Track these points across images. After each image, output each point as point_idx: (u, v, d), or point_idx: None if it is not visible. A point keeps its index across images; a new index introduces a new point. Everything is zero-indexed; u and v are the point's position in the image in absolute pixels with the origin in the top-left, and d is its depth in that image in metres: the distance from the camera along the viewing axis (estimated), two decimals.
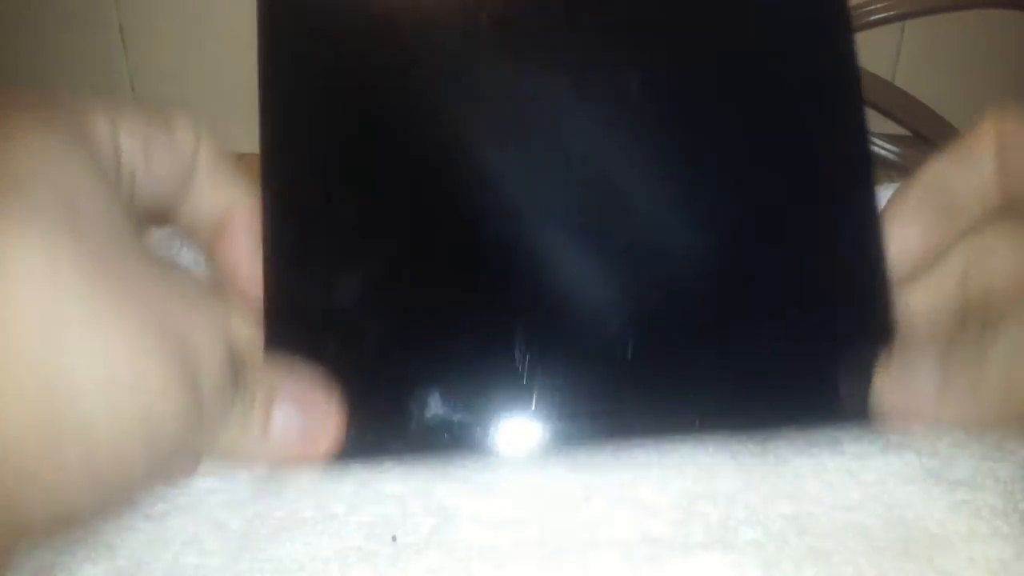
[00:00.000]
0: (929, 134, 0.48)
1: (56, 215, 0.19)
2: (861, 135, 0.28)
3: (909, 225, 0.27)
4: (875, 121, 0.52)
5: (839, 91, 0.28)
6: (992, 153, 0.26)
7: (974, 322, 0.25)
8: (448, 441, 0.26)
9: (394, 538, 0.24)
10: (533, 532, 0.25)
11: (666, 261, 0.27)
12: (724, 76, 0.28)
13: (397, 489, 0.26)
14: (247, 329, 0.26)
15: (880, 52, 0.51)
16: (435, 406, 0.26)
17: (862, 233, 0.27)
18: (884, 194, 0.34)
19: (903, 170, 0.47)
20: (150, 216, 0.26)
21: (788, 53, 0.29)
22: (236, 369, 0.23)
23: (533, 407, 0.26)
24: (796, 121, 0.28)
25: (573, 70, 0.28)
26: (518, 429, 0.26)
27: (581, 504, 0.26)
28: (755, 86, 0.28)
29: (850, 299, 0.27)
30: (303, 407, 0.25)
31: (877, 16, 0.47)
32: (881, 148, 0.48)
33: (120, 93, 0.53)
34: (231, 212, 0.27)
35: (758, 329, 0.27)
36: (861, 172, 0.28)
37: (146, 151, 0.24)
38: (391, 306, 0.27)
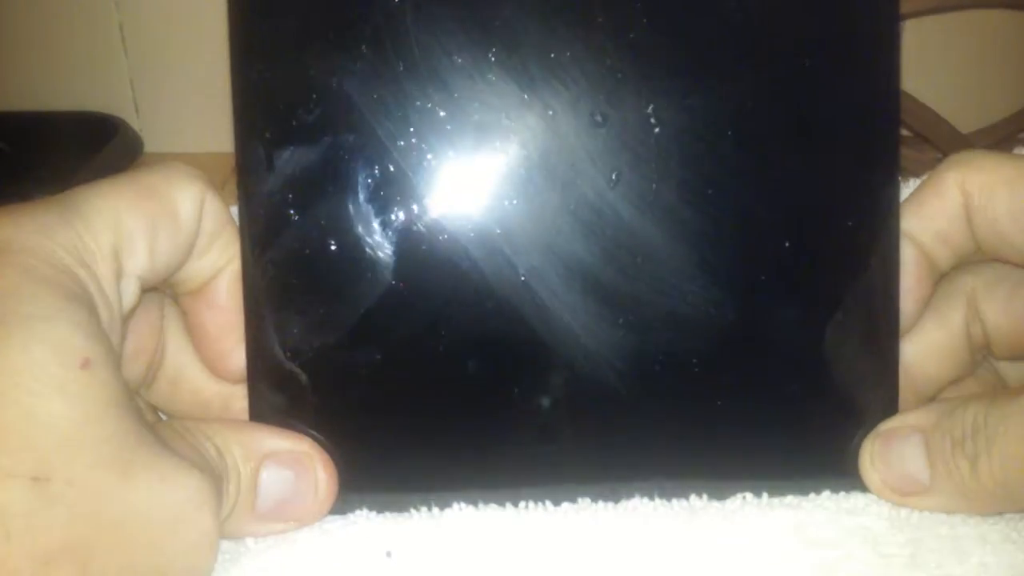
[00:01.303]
0: (929, 134, 0.48)
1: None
2: (892, 187, 0.26)
3: None
4: None
5: (878, 170, 0.26)
6: (958, 204, 0.26)
7: (963, 405, 0.24)
8: (441, 495, 0.25)
9: (388, 554, 0.24)
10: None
11: (673, 319, 0.26)
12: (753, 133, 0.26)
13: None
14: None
15: None
16: (430, 461, 0.26)
17: (878, 302, 0.26)
18: None
19: (903, 170, 0.47)
20: (149, 286, 0.25)
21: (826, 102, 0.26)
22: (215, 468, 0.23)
23: (526, 465, 0.26)
24: (822, 157, 0.26)
25: (588, 89, 0.26)
26: (509, 484, 0.26)
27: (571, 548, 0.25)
28: (786, 152, 0.26)
29: (858, 369, 0.26)
30: (291, 470, 0.24)
31: None
32: None
33: (120, 93, 0.53)
34: (217, 274, 0.26)
35: (760, 388, 0.26)
36: (888, 233, 0.26)
37: (150, 250, 0.24)
38: (378, 357, 0.26)
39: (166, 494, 0.20)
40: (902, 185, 0.35)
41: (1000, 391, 0.25)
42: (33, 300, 0.20)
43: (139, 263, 0.23)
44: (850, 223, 0.26)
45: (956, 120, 0.47)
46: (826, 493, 0.26)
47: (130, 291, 0.23)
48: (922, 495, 0.25)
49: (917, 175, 0.35)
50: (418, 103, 0.25)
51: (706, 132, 0.26)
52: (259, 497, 0.24)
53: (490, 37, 0.25)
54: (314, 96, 0.25)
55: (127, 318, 0.24)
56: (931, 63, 0.52)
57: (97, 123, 0.52)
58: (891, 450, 0.25)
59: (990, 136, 0.50)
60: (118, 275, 0.23)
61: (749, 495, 0.26)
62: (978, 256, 0.27)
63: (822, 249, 0.26)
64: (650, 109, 0.25)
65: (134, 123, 0.53)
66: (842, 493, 0.26)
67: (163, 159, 0.53)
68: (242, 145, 0.26)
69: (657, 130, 0.25)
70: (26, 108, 0.53)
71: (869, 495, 0.26)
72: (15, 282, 0.20)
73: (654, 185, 0.25)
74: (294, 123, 0.25)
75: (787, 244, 0.26)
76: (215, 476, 0.22)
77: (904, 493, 0.25)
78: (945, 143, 0.48)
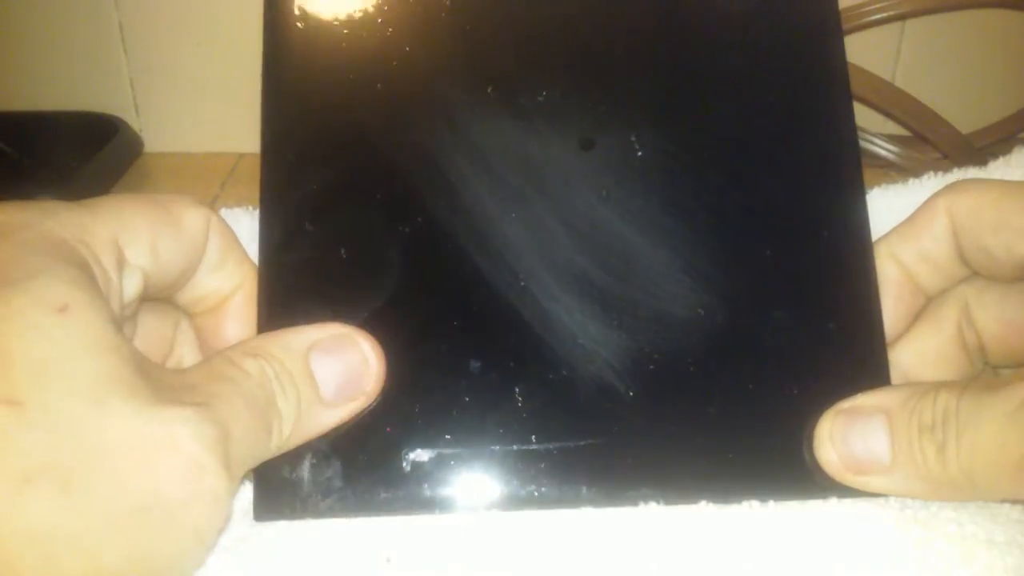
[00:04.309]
0: (929, 134, 0.48)
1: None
2: (859, 197, 0.28)
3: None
4: (875, 121, 0.52)
5: (838, 154, 0.29)
6: (944, 226, 0.27)
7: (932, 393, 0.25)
8: (443, 497, 0.26)
9: (388, 559, 0.24)
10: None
11: (666, 324, 0.27)
12: (729, 137, 0.29)
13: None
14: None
15: (880, 52, 0.51)
16: (431, 463, 0.26)
17: (859, 309, 0.27)
18: (883, 194, 0.34)
19: (903, 170, 0.47)
20: (158, 295, 0.26)
21: (783, 100, 0.29)
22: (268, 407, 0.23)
23: (528, 466, 0.26)
24: (792, 174, 0.29)
25: (567, 100, 0.29)
26: (511, 486, 0.26)
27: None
28: (752, 155, 0.29)
29: (851, 375, 0.27)
30: (337, 351, 0.25)
31: (877, 16, 0.47)
32: (881, 148, 0.48)
33: (120, 93, 0.53)
34: (233, 293, 0.27)
35: (747, 401, 0.27)
36: (860, 240, 0.28)
37: (152, 248, 0.25)
38: (389, 359, 0.26)
39: (142, 425, 0.20)
40: (901, 184, 0.35)
41: (973, 381, 0.25)
42: (24, 266, 0.21)
43: (140, 256, 0.24)
44: (823, 234, 0.28)
45: (956, 120, 0.47)
46: (832, 499, 0.26)
47: (132, 282, 0.24)
48: (879, 475, 0.25)
49: (917, 175, 0.35)
50: (424, 132, 0.29)
51: (683, 155, 0.29)
52: (321, 386, 0.25)
53: (488, 75, 0.29)
54: (333, 121, 0.29)
55: (131, 308, 0.25)
56: (931, 63, 0.52)
57: (97, 123, 0.52)
58: (853, 428, 0.25)
59: (989, 136, 0.50)
60: (119, 260, 0.23)
61: (754, 502, 0.26)
62: (968, 276, 0.28)
63: (800, 259, 0.28)
64: (633, 137, 0.28)
65: (134, 123, 0.54)
66: (847, 499, 0.26)
67: (163, 158, 0.54)
68: (267, 163, 0.28)
69: (640, 153, 0.28)
70: (26, 108, 0.53)
71: (875, 499, 0.25)
72: (11, 254, 0.21)
73: (639, 201, 0.28)
74: (315, 145, 0.28)
75: (768, 254, 0.28)
76: (224, 409, 0.22)
77: (860, 472, 0.25)
78: (944, 143, 0.48)
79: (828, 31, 0.30)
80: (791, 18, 0.30)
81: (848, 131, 0.29)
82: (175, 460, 0.20)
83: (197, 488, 0.20)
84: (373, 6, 0.30)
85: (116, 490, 0.20)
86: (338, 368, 0.25)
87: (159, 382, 0.21)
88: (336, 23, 0.29)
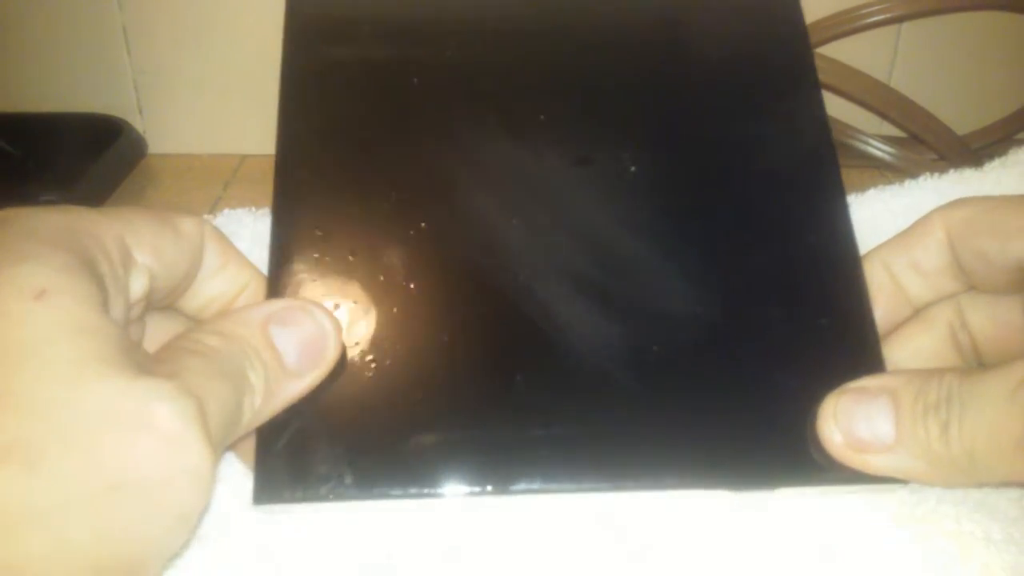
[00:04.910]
0: (925, 135, 0.48)
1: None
2: (838, 192, 0.30)
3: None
4: (871, 122, 0.52)
5: (816, 157, 0.31)
6: (939, 239, 0.28)
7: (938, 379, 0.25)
8: (444, 483, 0.26)
9: (389, 555, 0.24)
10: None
11: (661, 322, 0.28)
12: (718, 154, 0.31)
13: (394, 507, 0.26)
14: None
15: (877, 54, 0.52)
16: (433, 449, 0.26)
17: (851, 306, 0.28)
18: (879, 195, 0.35)
19: (899, 171, 0.48)
20: (164, 301, 0.27)
21: (757, 111, 0.32)
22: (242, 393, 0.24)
23: (530, 453, 0.26)
24: (777, 182, 0.31)
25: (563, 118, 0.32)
26: (512, 472, 0.26)
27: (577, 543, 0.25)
28: (738, 171, 0.31)
29: (844, 370, 0.27)
30: (292, 322, 0.25)
31: (874, 19, 0.47)
32: (877, 149, 0.49)
33: (123, 95, 0.53)
34: (236, 297, 0.28)
35: (746, 392, 0.27)
36: (845, 238, 0.29)
37: (156, 249, 0.25)
38: (393, 348, 0.27)
39: (118, 402, 0.20)
40: (897, 185, 0.35)
41: (974, 367, 0.25)
42: (12, 253, 0.21)
43: (145, 256, 0.25)
44: (808, 235, 0.29)
45: (952, 122, 0.48)
46: (830, 492, 0.26)
47: (139, 280, 0.25)
48: (882, 453, 0.24)
49: (913, 176, 0.36)
50: (430, 147, 0.31)
51: (674, 169, 0.31)
52: (283, 356, 0.25)
53: (491, 98, 0.32)
54: (345, 136, 0.31)
55: (138, 308, 0.25)
56: (929, 64, 0.52)
57: (101, 124, 0.52)
58: (857, 408, 0.25)
59: (985, 137, 0.51)
60: (125, 258, 0.24)
61: (752, 493, 0.26)
62: (959, 290, 0.28)
63: (790, 259, 0.29)
64: (626, 154, 0.31)
65: (138, 124, 0.54)
66: (846, 493, 0.26)
67: (167, 160, 0.54)
68: (281, 169, 0.30)
69: (633, 169, 0.31)
70: (30, 110, 0.53)
71: (874, 495, 0.26)
72: (8, 240, 0.22)
73: (635, 212, 0.30)
74: (327, 155, 0.31)
75: (759, 256, 0.29)
76: (199, 383, 0.22)
77: (862, 451, 0.25)
78: (941, 144, 0.48)
79: (797, 46, 0.33)
80: (762, 37, 0.34)
81: (824, 136, 0.31)
82: (152, 437, 0.20)
83: (177, 466, 0.20)
84: (387, 36, 0.33)
85: (88, 468, 0.19)
86: (297, 337, 0.25)
87: (141, 363, 0.21)
88: (352, 47, 0.33)
